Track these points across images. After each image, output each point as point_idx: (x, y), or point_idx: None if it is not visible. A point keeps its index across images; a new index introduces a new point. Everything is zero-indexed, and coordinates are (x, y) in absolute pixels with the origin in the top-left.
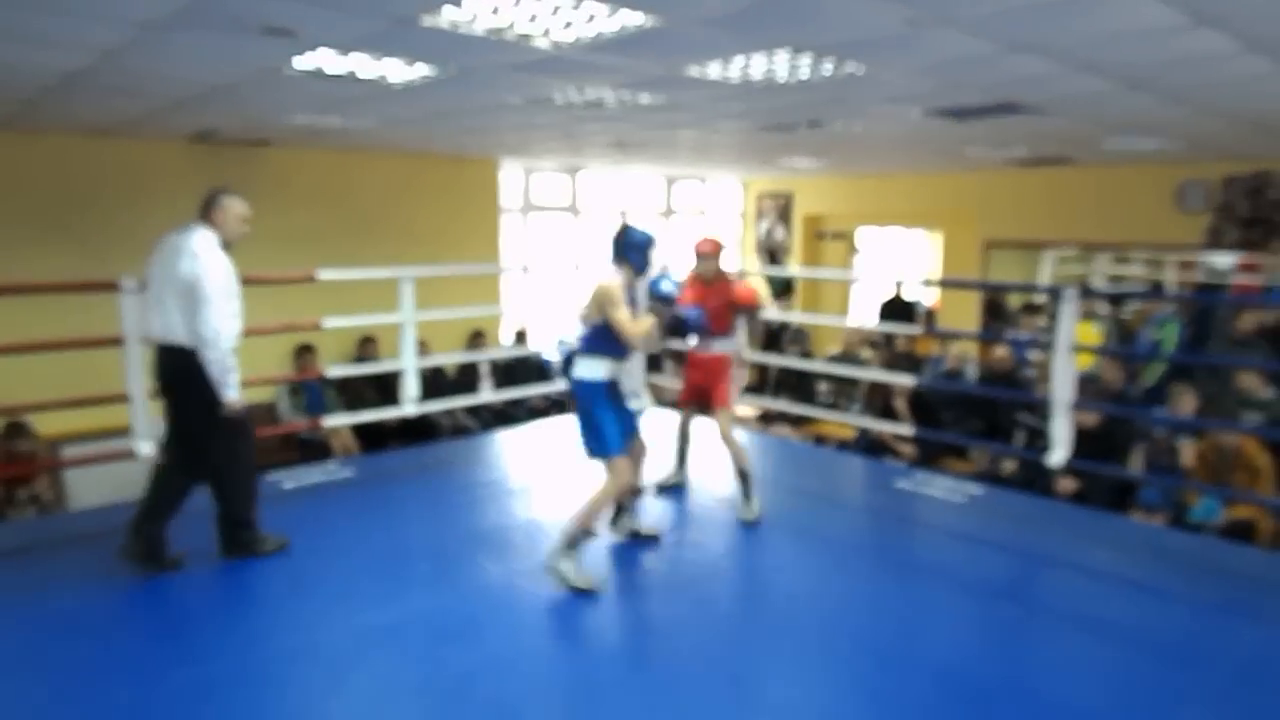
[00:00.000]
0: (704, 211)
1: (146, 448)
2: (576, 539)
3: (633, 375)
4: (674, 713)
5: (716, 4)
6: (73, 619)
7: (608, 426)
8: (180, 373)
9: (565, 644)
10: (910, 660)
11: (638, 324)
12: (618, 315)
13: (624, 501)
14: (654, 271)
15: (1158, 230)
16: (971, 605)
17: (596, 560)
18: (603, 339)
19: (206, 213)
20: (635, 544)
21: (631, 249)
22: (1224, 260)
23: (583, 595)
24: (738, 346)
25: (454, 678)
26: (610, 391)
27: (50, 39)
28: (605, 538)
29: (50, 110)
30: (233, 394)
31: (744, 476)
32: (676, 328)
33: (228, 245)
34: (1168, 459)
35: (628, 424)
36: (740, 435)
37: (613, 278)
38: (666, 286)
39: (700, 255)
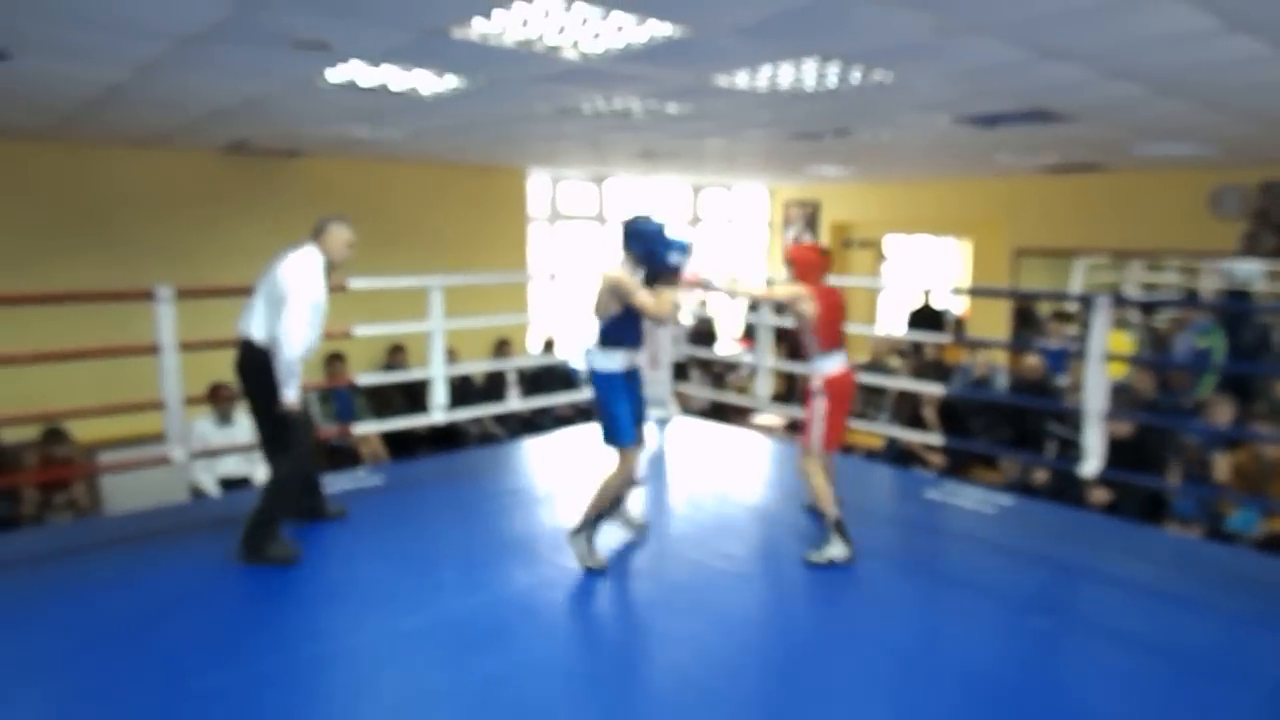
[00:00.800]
0: (731, 219)
1: (180, 453)
2: (590, 521)
3: (659, 384)
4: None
5: (744, 13)
6: (108, 622)
7: (623, 417)
8: (250, 365)
9: (592, 650)
10: (937, 669)
11: (661, 301)
12: (639, 299)
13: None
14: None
15: (1192, 237)
16: (1001, 616)
17: (629, 566)
18: (618, 329)
19: (316, 236)
20: (664, 552)
21: (634, 237)
22: (1247, 267)
23: (594, 574)
24: (814, 369)
25: (481, 682)
26: (626, 382)
27: (90, 54)
28: (631, 546)
29: (89, 122)
30: (291, 394)
31: (820, 515)
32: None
33: (333, 266)
34: (1202, 470)
35: (641, 415)
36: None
37: (618, 267)
38: (675, 258)
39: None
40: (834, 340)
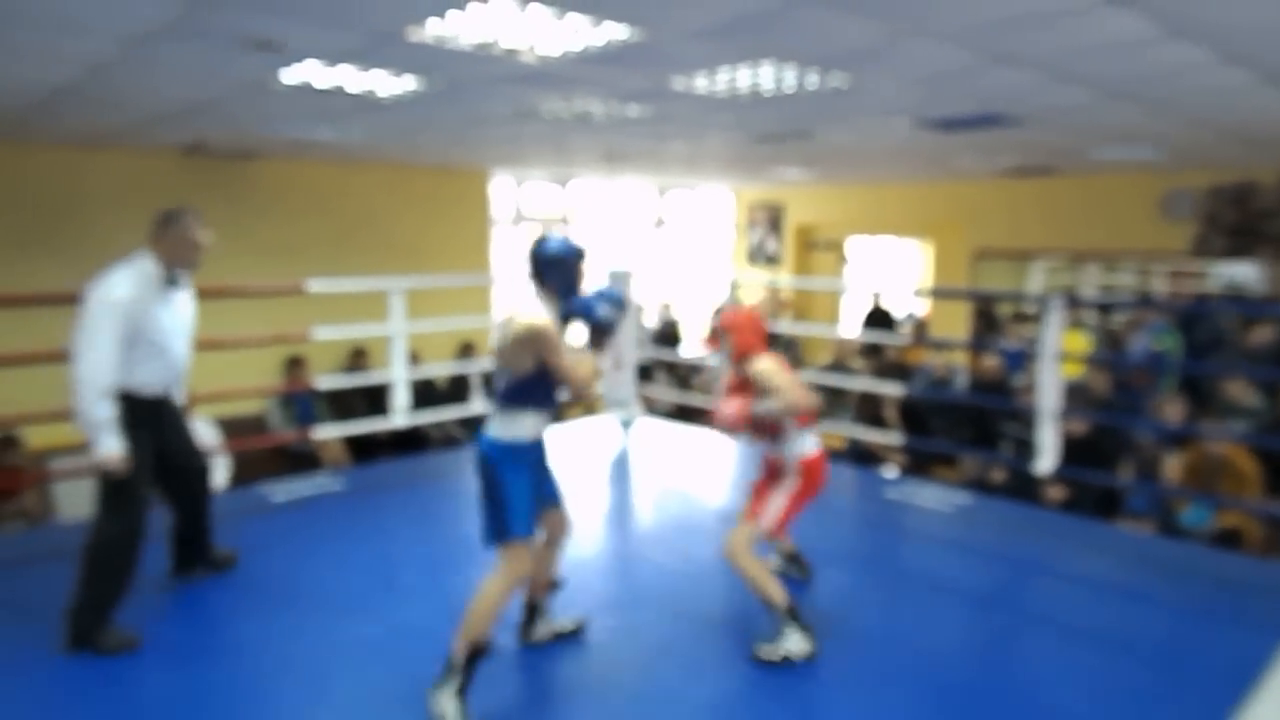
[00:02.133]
0: (695, 221)
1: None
2: (462, 664)
3: (623, 385)
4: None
5: (699, 16)
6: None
7: (517, 501)
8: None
9: (553, 655)
10: (893, 665)
11: (583, 366)
12: (558, 362)
13: (537, 599)
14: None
15: (1144, 239)
16: (958, 611)
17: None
18: (530, 389)
19: (151, 236)
20: (628, 553)
21: (550, 266)
22: (1244, 270)
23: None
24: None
25: None
26: (532, 456)
27: (37, 53)
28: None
29: (38, 123)
30: (105, 446)
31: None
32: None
33: (175, 273)
34: (1154, 467)
35: (547, 496)
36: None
37: (539, 311)
38: (604, 311)
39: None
40: (808, 415)
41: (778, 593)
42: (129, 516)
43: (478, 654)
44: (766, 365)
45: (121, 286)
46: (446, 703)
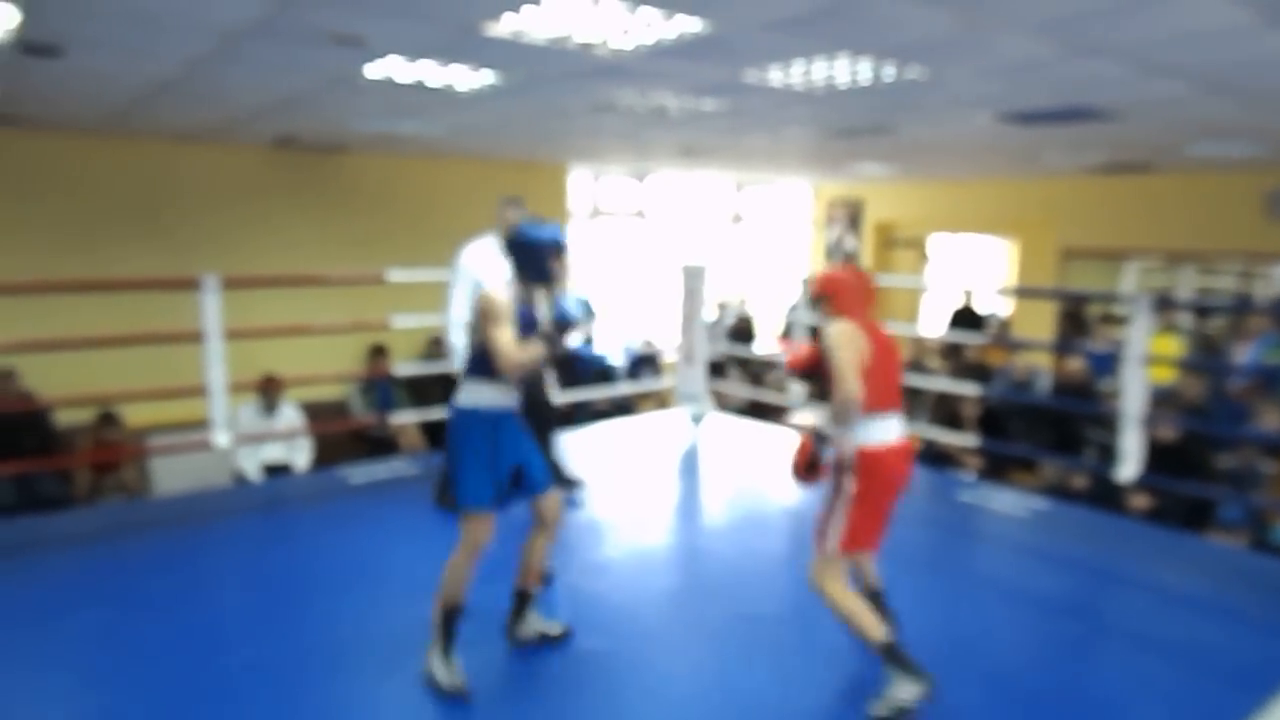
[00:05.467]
0: (773, 217)
1: (223, 439)
2: (440, 625)
3: (695, 380)
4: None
5: (771, 8)
6: (150, 598)
7: (465, 470)
8: None
9: (594, 642)
10: (964, 670)
11: (519, 349)
12: (494, 333)
13: (527, 589)
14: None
15: (1246, 239)
16: (1032, 619)
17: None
18: (486, 358)
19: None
20: (696, 548)
21: (520, 253)
22: None
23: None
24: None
25: (504, 664)
26: (488, 426)
27: (139, 50)
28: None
29: (140, 117)
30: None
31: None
32: (566, 366)
33: None
34: (1250, 478)
35: (527, 476)
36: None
37: (501, 287)
38: (573, 309)
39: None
40: (884, 399)
41: (873, 627)
42: None
43: (451, 616)
44: (841, 330)
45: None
46: (434, 661)
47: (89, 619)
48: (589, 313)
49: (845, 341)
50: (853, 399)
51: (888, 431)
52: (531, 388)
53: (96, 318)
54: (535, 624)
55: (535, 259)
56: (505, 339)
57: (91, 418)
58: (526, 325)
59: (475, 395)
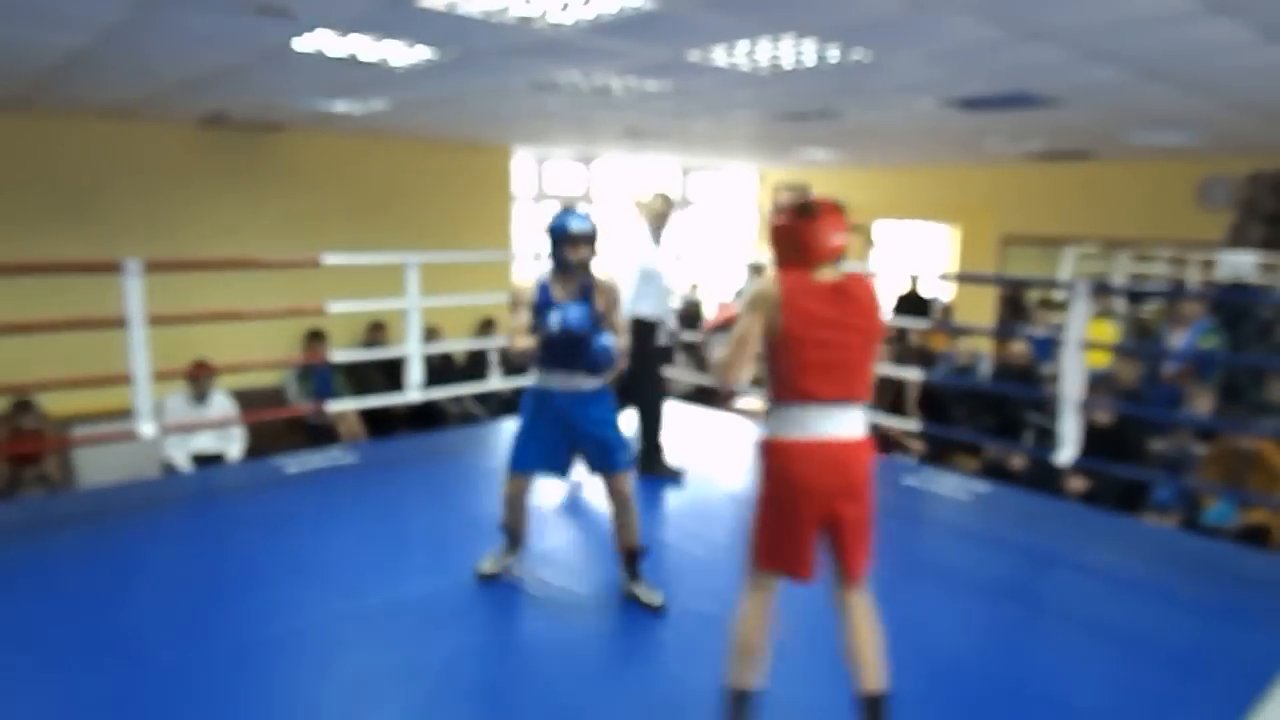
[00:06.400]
0: (718, 201)
1: (149, 429)
2: (502, 528)
3: None
4: (661, 700)
5: None
6: (73, 595)
7: (517, 435)
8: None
9: (554, 631)
10: (906, 659)
11: (517, 338)
12: (510, 318)
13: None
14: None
15: (1180, 227)
16: (973, 604)
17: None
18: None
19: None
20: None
21: (548, 237)
22: (1244, 259)
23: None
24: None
25: (441, 662)
26: (535, 404)
27: (50, 15)
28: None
29: (57, 92)
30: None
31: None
32: (571, 355)
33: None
34: (1181, 461)
35: (585, 455)
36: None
37: (531, 274)
38: (573, 316)
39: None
40: (820, 383)
41: (739, 668)
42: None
43: (505, 527)
44: (756, 287)
45: None
46: (500, 548)
47: (4, 617)
48: (582, 323)
49: (752, 300)
50: (720, 367)
51: (816, 425)
52: (636, 373)
53: (16, 305)
54: (630, 586)
55: (552, 247)
56: (509, 325)
57: (6, 406)
58: (542, 313)
59: (533, 377)
